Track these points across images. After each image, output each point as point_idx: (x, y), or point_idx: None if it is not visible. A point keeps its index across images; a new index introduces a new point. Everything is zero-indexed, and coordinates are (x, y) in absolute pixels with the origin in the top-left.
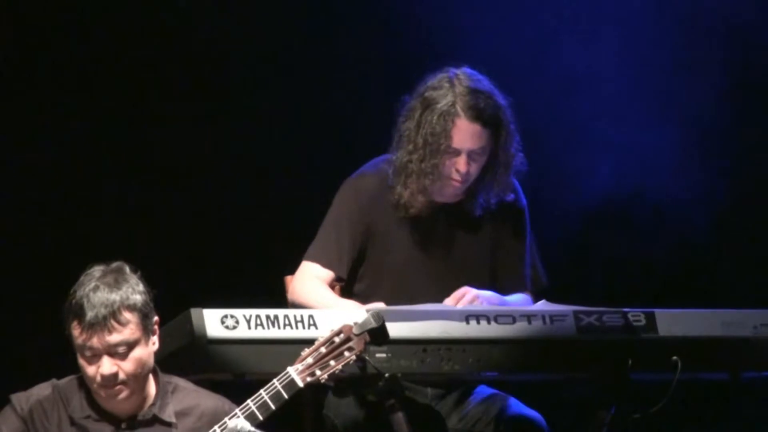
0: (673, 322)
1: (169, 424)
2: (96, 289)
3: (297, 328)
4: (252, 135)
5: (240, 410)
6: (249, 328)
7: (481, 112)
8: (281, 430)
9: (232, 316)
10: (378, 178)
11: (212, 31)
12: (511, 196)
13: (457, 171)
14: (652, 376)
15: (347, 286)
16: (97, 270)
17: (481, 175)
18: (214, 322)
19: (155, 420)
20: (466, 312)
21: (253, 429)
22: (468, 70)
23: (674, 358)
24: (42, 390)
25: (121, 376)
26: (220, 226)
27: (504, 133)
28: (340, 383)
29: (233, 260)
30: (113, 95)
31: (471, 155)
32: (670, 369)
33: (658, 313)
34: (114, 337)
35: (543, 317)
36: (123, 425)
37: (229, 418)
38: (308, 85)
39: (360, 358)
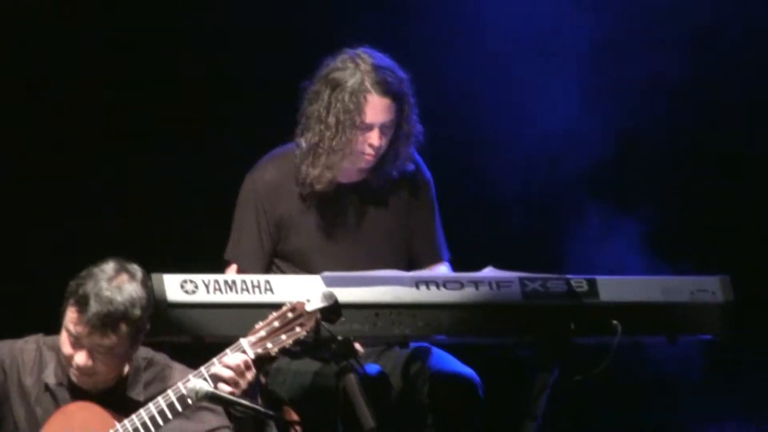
0: (614, 288)
1: (136, 401)
2: (106, 289)
3: (254, 292)
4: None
5: (193, 376)
6: (207, 292)
7: (390, 86)
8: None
9: (191, 281)
10: (276, 168)
11: None
12: (411, 167)
13: (371, 145)
14: (594, 340)
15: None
16: (113, 266)
17: (387, 149)
18: (174, 286)
19: (124, 397)
20: (416, 278)
21: (211, 389)
22: (366, 49)
23: (615, 322)
24: (27, 344)
25: (94, 370)
26: (181, 196)
27: (406, 105)
28: (294, 348)
29: (194, 227)
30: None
31: (382, 128)
32: (610, 333)
33: (600, 279)
34: (104, 342)
35: (490, 283)
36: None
37: (183, 383)
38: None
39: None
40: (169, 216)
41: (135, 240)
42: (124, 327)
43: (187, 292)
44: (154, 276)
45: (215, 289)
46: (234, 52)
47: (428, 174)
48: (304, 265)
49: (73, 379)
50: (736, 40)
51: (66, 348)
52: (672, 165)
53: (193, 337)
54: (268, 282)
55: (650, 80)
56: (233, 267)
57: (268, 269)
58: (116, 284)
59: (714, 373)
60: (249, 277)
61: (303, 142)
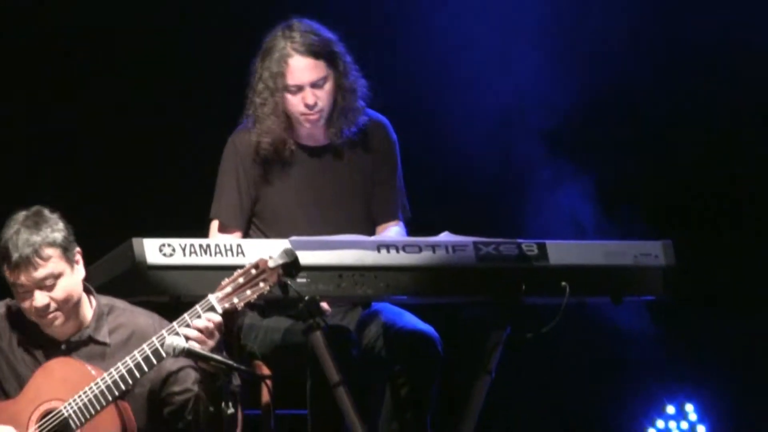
0: (563, 251)
1: (103, 344)
2: (18, 232)
3: (227, 255)
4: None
5: (166, 331)
6: (184, 255)
7: (311, 47)
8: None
9: (169, 245)
10: (242, 135)
11: None
12: (366, 122)
13: (306, 105)
14: (544, 300)
15: (245, 234)
16: (19, 215)
17: (333, 106)
18: (153, 250)
19: (90, 340)
20: (377, 242)
21: (187, 345)
22: (297, 19)
23: (563, 283)
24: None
25: (53, 305)
26: (165, 162)
27: (340, 62)
28: (265, 306)
29: (173, 194)
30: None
31: (313, 87)
32: (559, 294)
33: (549, 243)
34: (39, 273)
35: (446, 247)
36: (62, 347)
37: (157, 338)
38: None
39: (283, 284)
40: (150, 183)
41: (117, 206)
42: (48, 251)
43: (165, 255)
44: (135, 240)
45: (191, 252)
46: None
47: (394, 137)
48: (275, 224)
49: (46, 330)
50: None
51: (23, 303)
52: (624, 132)
53: (170, 297)
54: (239, 246)
55: (608, 42)
56: (215, 224)
57: (248, 226)
58: (26, 225)
59: (661, 332)
60: (222, 242)
61: (249, 113)
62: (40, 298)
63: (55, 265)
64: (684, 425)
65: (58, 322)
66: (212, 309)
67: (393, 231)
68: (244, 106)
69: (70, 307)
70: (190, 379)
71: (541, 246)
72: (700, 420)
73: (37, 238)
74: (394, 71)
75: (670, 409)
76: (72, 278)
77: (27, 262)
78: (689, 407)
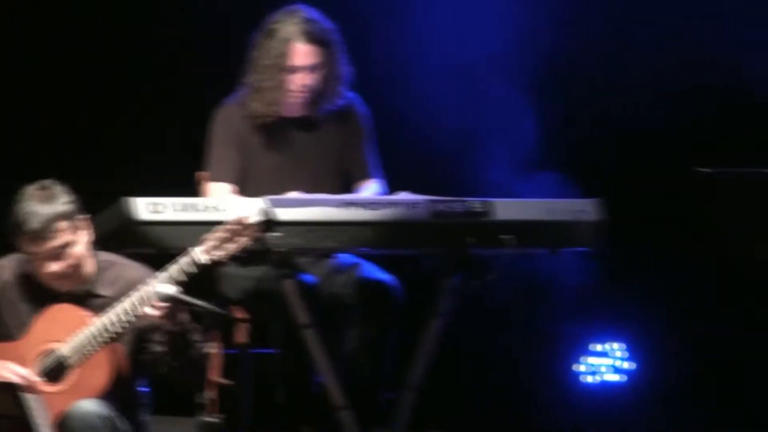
0: (508, 208)
1: (102, 296)
2: (30, 205)
3: (210, 212)
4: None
5: (155, 279)
6: (172, 212)
7: (313, 35)
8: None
9: (157, 203)
10: (237, 103)
11: None
12: (342, 102)
13: (301, 85)
14: (490, 252)
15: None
16: (30, 188)
17: (319, 87)
18: (143, 208)
19: (90, 294)
20: (343, 200)
21: (173, 292)
22: (302, 6)
23: (507, 236)
24: (8, 262)
25: (67, 270)
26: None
27: (333, 51)
28: (239, 254)
29: (162, 154)
30: None
31: (309, 70)
32: (504, 246)
33: (496, 201)
34: (52, 244)
35: (405, 204)
36: (65, 299)
37: (147, 285)
38: None
39: (260, 238)
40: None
41: (111, 169)
42: (60, 224)
43: (154, 212)
44: (127, 199)
45: (178, 210)
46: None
47: (364, 110)
48: (257, 185)
49: (58, 287)
50: None
51: (41, 270)
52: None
53: (158, 249)
54: (221, 203)
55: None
56: (218, 186)
57: (238, 183)
58: (36, 199)
59: (593, 279)
60: (205, 200)
61: (248, 84)
62: (56, 266)
63: (66, 236)
64: (611, 362)
65: (71, 284)
66: (196, 260)
67: (370, 187)
68: (238, 76)
69: (82, 267)
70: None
71: (489, 203)
72: (628, 358)
73: (49, 212)
74: (353, 35)
75: (598, 348)
76: (81, 246)
77: (40, 235)
78: (616, 345)
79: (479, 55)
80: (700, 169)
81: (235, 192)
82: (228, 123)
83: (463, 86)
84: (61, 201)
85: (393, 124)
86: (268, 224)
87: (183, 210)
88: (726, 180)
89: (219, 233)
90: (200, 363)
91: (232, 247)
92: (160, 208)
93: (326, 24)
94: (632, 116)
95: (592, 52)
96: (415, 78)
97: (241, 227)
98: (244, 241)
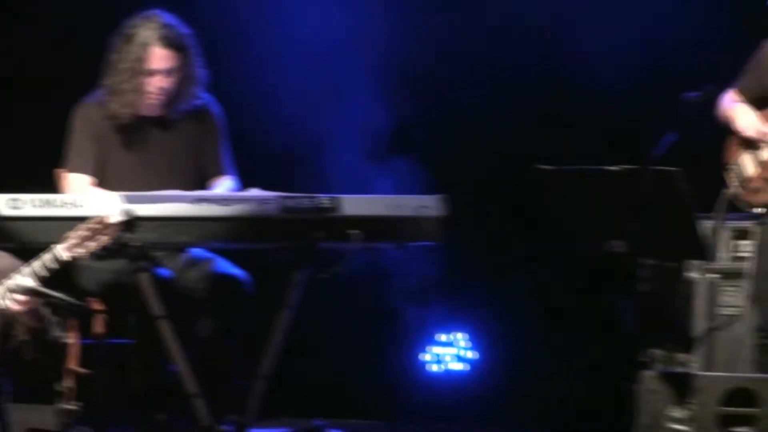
0: (354, 204)
1: None
2: None
3: (67, 208)
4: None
5: (17, 273)
6: (31, 208)
7: (170, 40)
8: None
9: (17, 199)
10: (96, 102)
11: None
12: (198, 103)
13: (157, 87)
14: (338, 246)
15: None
16: None
17: (175, 89)
18: (3, 203)
19: None
20: (196, 196)
21: (32, 285)
22: (159, 11)
23: (354, 231)
24: None
25: None
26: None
27: (189, 55)
28: (99, 252)
29: (22, 151)
30: None
31: (165, 74)
32: (350, 240)
33: (343, 197)
34: None
35: (256, 200)
36: None
37: (8, 279)
38: None
39: (119, 235)
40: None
41: None
42: None
43: (14, 208)
44: None
45: (37, 206)
46: None
47: (218, 110)
48: (114, 182)
49: None
50: None
51: None
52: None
53: (19, 244)
54: (78, 199)
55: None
56: (75, 176)
57: (97, 175)
58: None
59: (437, 272)
60: (64, 196)
61: (107, 85)
62: None
63: None
64: (456, 352)
65: None
66: (58, 257)
67: (224, 184)
68: (98, 77)
69: None
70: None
71: (337, 199)
72: (471, 347)
73: None
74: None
75: (444, 338)
76: None
77: None
78: (460, 335)
79: (332, 52)
80: (541, 167)
81: (93, 184)
82: (87, 120)
83: (316, 84)
84: None
85: (246, 122)
86: (129, 224)
87: (42, 206)
88: (564, 176)
89: (81, 231)
90: (59, 353)
91: (93, 245)
92: (19, 204)
93: (182, 29)
94: (476, 114)
95: (440, 50)
96: (267, 77)
97: (101, 226)
98: (104, 239)
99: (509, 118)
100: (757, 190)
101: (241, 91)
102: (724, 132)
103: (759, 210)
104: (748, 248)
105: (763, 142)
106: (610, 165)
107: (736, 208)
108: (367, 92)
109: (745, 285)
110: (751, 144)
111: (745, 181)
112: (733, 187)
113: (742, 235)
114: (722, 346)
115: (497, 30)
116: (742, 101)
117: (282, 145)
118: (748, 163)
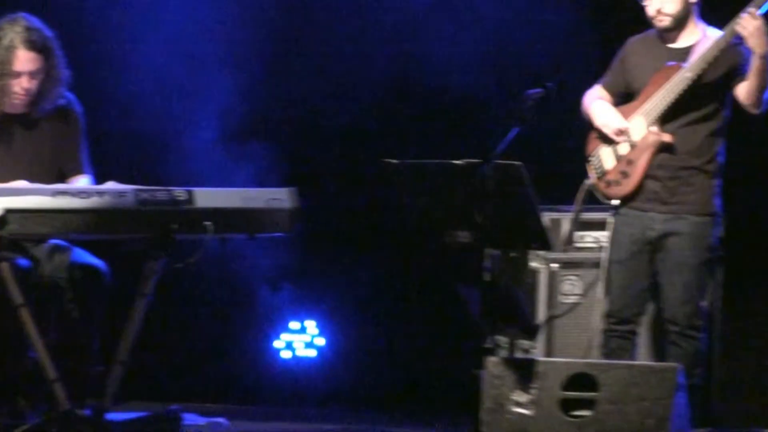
0: (207, 196)
1: None
2: None
3: None
4: None
5: None
6: None
7: (34, 43)
8: None
9: None
10: None
11: None
12: (62, 102)
13: (22, 88)
14: (192, 237)
15: None
16: None
17: (39, 89)
18: None
19: None
20: (55, 189)
21: None
22: (23, 14)
23: (207, 223)
24: None
25: None
26: None
27: (52, 57)
28: None
29: None
30: None
31: (29, 75)
32: (204, 231)
33: (197, 190)
34: None
35: (112, 193)
36: None
37: None
38: None
39: None
40: None
41: None
42: None
43: None
44: None
45: None
46: None
47: (79, 108)
48: None
49: None
50: None
51: None
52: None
53: None
54: None
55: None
56: None
57: None
58: None
59: (288, 262)
60: None
61: None
62: None
63: None
64: (306, 338)
65: None
66: None
67: (81, 182)
68: None
69: None
70: None
71: (190, 192)
72: (320, 334)
73: None
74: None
75: (294, 325)
76: None
77: None
78: (310, 323)
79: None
80: (387, 160)
81: None
82: None
83: (179, 71)
84: None
85: (108, 116)
86: (2, 220)
87: None
88: (409, 169)
89: None
90: None
91: None
92: None
93: (46, 32)
94: (329, 109)
95: (299, 44)
96: (129, 64)
97: None
98: None
99: (360, 113)
100: (613, 183)
101: (99, 83)
102: (587, 126)
103: (614, 202)
104: (604, 239)
105: (617, 139)
106: (456, 159)
107: (595, 200)
108: (226, 79)
109: (600, 274)
110: (610, 138)
111: (603, 174)
112: (592, 178)
113: (599, 226)
114: (568, 332)
115: (352, 27)
116: (607, 97)
117: (143, 132)
118: (606, 157)
